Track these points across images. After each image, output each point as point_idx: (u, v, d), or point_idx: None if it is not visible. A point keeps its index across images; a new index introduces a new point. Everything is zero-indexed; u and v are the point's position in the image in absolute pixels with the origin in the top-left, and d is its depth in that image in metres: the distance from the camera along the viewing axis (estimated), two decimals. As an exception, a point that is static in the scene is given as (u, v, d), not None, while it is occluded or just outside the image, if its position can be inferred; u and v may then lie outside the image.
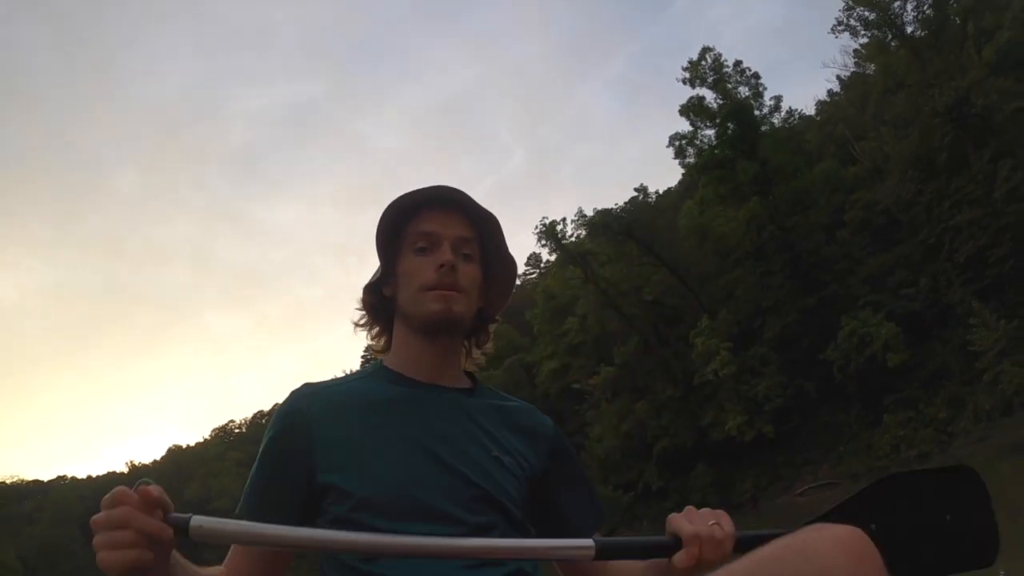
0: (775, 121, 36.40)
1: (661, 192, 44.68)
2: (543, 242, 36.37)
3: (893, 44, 32.14)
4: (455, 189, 1.35)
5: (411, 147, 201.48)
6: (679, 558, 1.09)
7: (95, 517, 0.93)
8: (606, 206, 35.31)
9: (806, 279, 31.36)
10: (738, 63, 33.02)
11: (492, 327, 1.52)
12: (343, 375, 1.50)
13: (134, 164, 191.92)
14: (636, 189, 42.13)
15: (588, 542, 1.11)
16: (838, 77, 40.84)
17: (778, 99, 34.98)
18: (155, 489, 0.96)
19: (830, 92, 47.60)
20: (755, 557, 0.97)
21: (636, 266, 34.43)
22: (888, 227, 33.15)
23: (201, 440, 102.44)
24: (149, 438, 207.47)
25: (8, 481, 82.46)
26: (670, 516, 1.17)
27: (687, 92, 33.48)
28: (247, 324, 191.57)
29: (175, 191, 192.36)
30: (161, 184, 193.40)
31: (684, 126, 33.73)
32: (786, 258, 31.43)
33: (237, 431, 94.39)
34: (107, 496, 0.94)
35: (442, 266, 1.30)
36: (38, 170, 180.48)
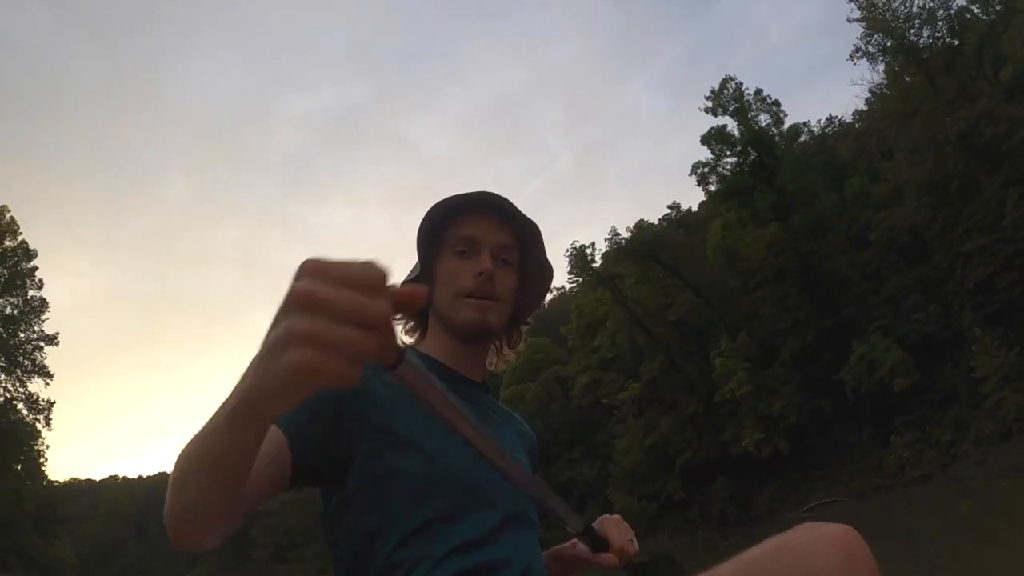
0: (803, 138, 37.79)
1: (695, 208, 45.90)
2: (571, 266, 38.24)
3: (910, 70, 32.91)
4: (499, 196, 1.36)
5: (457, 150, 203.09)
6: (606, 558, 1.27)
7: (304, 286, 0.58)
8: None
9: (824, 301, 32.60)
10: (759, 91, 34.43)
11: (525, 328, 1.55)
12: None
13: (182, 169, 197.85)
14: (669, 207, 43.83)
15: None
16: (870, 90, 41.51)
17: (804, 124, 36.26)
18: (417, 291, 0.64)
19: (868, 100, 48.41)
20: (747, 556, 0.98)
21: (662, 288, 36.12)
22: (905, 250, 34.19)
23: None
24: None
25: (63, 481, 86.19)
26: (601, 517, 1.34)
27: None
28: None
29: (223, 195, 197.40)
30: (209, 188, 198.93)
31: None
32: (804, 281, 32.72)
33: None
34: (345, 262, 0.58)
35: (481, 274, 1.32)
36: (89, 176, 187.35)
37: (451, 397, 0.82)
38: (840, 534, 0.92)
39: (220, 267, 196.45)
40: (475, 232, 1.36)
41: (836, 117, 54.41)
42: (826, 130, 52.22)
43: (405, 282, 1.29)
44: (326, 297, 0.56)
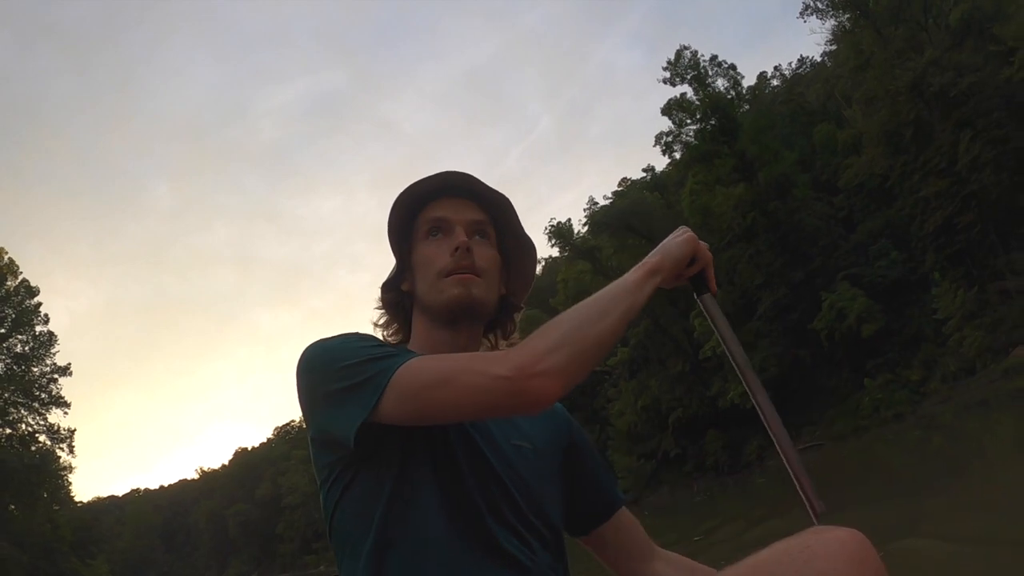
0: (776, 83, 38.25)
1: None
2: (553, 242, 39.64)
3: (859, 23, 33.86)
4: (464, 174, 1.32)
5: (438, 125, 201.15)
6: None
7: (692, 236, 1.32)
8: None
9: (794, 254, 34.06)
10: (715, 57, 35.51)
11: (518, 316, 1.48)
12: None
13: (167, 175, 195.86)
14: (644, 170, 45.02)
15: None
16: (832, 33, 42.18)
17: (776, 67, 37.05)
18: None
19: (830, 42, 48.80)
20: (756, 559, 0.99)
21: (640, 255, 37.18)
22: (871, 196, 35.57)
23: (265, 440, 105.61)
24: (214, 441, 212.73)
25: (87, 501, 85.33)
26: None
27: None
28: (296, 319, 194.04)
29: (211, 196, 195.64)
30: (196, 191, 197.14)
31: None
32: (774, 237, 34.16)
33: (298, 427, 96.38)
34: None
35: (457, 249, 1.28)
36: (74, 194, 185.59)
37: (734, 337, 1.29)
38: (848, 537, 0.94)
39: (215, 268, 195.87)
40: (445, 213, 1.34)
41: (807, 58, 54.97)
42: (799, 71, 53.05)
43: (385, 284, 1.41)
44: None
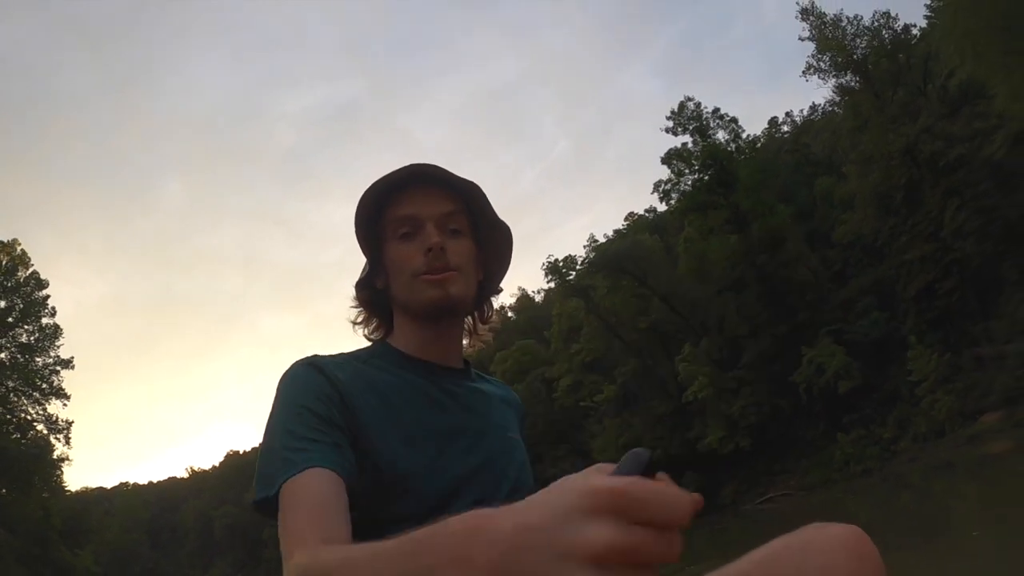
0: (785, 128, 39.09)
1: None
2: (549, 278, 40.78)
3: (858, 86, 34.94)
4: (429, 165, 1.30)
5: (455, 139, 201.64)
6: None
7: (626, 486, 0.49)
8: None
9: (781, 307, 34.94)
10: (716, 110, 36.68)
11: (495, 299, 1.49)
12: (346, 352, 1.38)
13: (180, 173, 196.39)
14: (646, 211, 46.16)
15: None
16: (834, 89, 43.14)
17: (787, 113, 38.18)
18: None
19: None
20: (755, 556, 0.94)
21: (632, 297, 38.56)
22: (861, 254, 36.54)
23: (257, 445, 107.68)
24: (206, 442, 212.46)
25: (75, 490, 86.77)
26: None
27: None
28: (300, 325, 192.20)
29: (222, 196, 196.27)
30: (208, 191, 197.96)
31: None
32: (762, 289, 35.10)
33: None
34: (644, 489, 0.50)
35: (430, 250, 1.26)
36: (87, 185, 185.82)
37: None
38: (848, 534, 0.91)
39: (222, 269, 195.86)
40: (413, 210, 1.30)
41: (819, 105, 55.61)
42: (811, 117, 53.62)
43: (358, 283, 1.40)
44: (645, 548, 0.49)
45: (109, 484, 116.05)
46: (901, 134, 32.03)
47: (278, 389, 1.21)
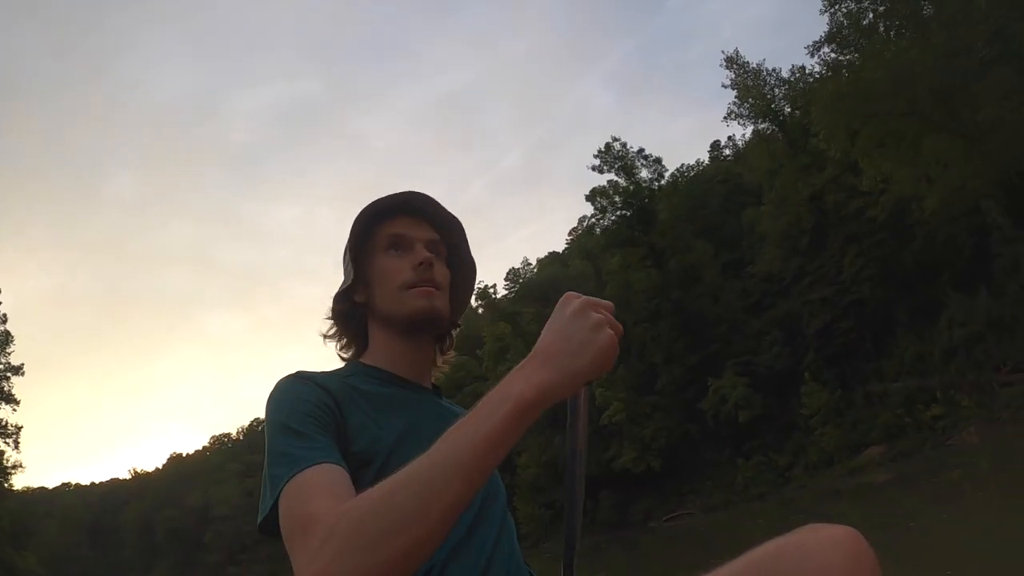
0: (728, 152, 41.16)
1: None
2: (478, 302, 42.70)
3: (773, 135, 37.44)
4: (425, 196, 1.40)
5: (408, 145, 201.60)
6: None
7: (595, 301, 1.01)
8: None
9: (694, 338, 37.28)
10: (641, 150, 38.99)
11: (455, 332, 1.52)
12: (324, 371, 1.39)
13: (132, 167, 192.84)
14: (582, 231, 48.18)
15: None
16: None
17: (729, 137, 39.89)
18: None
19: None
20: (751, 557, 0.98)
21: (558, 323, 40.23)
22: (777, 285, 38.91)
23: (201, 448, 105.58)
24: (150, 443, 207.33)
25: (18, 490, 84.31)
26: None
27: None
28: (246, 325, 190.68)
29: (173, 193, 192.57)
30: (159, 186, 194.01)
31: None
32: (675, 321, 37.40)
33: (235, 440, 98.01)
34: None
35: (421, 264, 1.33)
36: (35, 175, 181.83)
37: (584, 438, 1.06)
38: (843, 535, 0.93)
39: (170, 266, 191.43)
40: (403, 229, 1.38)
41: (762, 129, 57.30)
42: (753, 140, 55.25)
43: (340, 291, 1.42)
44: (608, 309, 1.01)
45: (51, 484, 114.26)
46: (809, 183, 34.45)
47: (270, 400, 1.21)
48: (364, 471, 1.14)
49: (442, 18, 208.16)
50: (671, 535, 30.83)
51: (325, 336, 1.46)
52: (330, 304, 1.45)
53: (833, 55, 28.92)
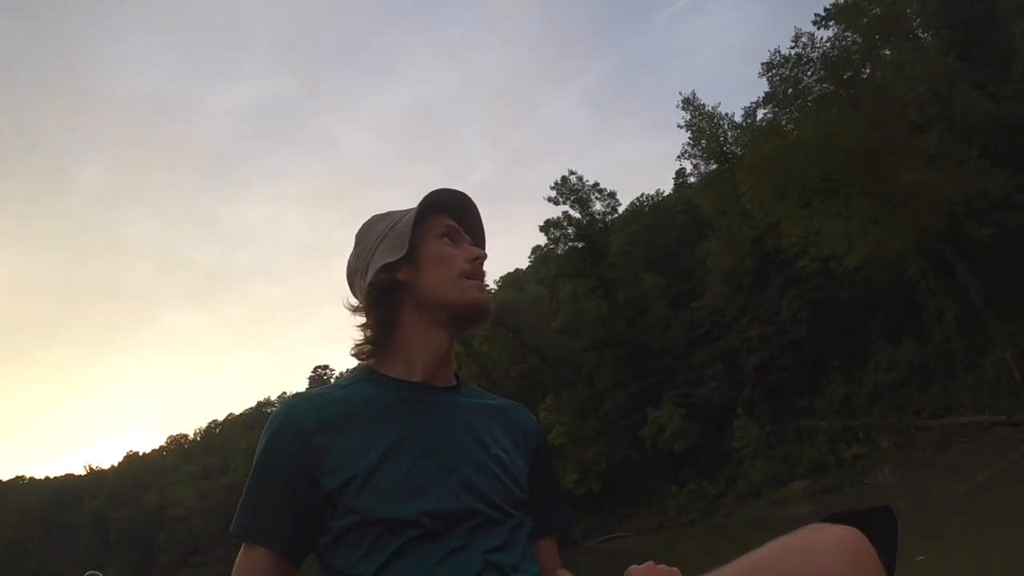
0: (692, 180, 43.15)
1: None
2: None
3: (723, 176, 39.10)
4: (478, 211, 1.46)
5: (379, 151, 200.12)
6: None
7: None
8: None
9: (639, 368, 38.93)
10: (596, 184, 40.85)
11: None
12: (332, 382, 1.44)
13: (99, 159, 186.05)
14: (535, 247, 49.62)
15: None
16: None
17: (682, 171, 41.99)
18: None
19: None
20: (754, 556, 1.00)
21: (507, 347, 42.18)
22: (722, 323, 40.67)
23: (158, 447, 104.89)
24: (106, 440, 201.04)
25: None
26: (630, 568, 1.20)
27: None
28: (208, 324, 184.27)
29: (140, 188, 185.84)
30: (126, 180, 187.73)
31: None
32: (621, 351, 39.03)
33: (192, 441, 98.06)
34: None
35: (477, 259, 1.36)
36: None
37: None
38: (845, 535, 0.95)
39: (133, 260, 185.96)
40: (455, 223, 1.41)
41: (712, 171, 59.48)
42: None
43: (384, 265, 1.34)
44: None
45: (5, 476, 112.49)
46: (752, 226, 36.16)
47: (262, 437, 1.26)
48: (346, 489, 1.20)
49: (418, 28, 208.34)
50: (606, 554, 32.24)
51: (354, 309, 1.42)
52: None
53: (770, 115, 30.59)
